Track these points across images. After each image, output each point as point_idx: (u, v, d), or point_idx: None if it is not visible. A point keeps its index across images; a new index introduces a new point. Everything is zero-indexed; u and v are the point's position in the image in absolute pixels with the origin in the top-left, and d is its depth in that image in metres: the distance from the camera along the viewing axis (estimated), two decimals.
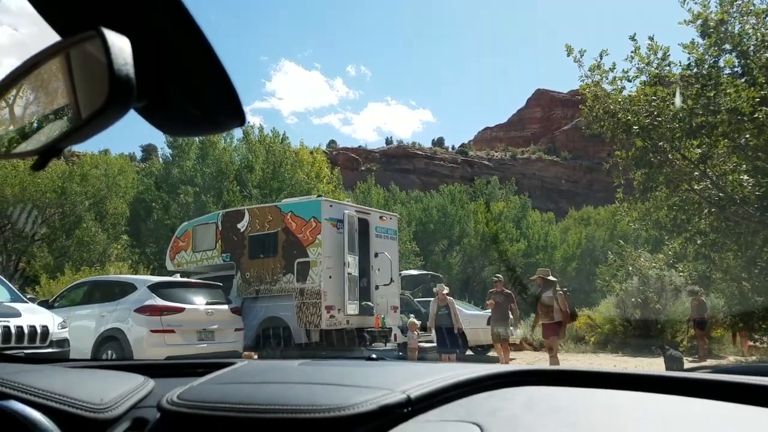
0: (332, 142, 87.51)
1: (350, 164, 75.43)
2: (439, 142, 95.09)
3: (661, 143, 10.60)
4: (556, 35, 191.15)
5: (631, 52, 10.73)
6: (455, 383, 0.87)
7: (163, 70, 0.59)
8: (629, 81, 10.97)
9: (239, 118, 0.65)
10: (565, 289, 10.75)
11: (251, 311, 11.03)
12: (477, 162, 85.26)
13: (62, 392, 0.95)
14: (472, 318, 13.00)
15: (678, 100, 9.95)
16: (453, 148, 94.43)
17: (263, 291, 11.29)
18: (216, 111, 0.65)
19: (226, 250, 12.17)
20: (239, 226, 12.09)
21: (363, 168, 72.53)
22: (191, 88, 0.62)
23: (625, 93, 11.04)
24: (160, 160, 30.78)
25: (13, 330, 6.96)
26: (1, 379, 0.96)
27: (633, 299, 15.09)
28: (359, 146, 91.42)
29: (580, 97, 11.87)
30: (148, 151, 59.33)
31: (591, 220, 41.39)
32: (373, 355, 1.27)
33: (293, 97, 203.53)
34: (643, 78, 10.87)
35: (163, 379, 1.14)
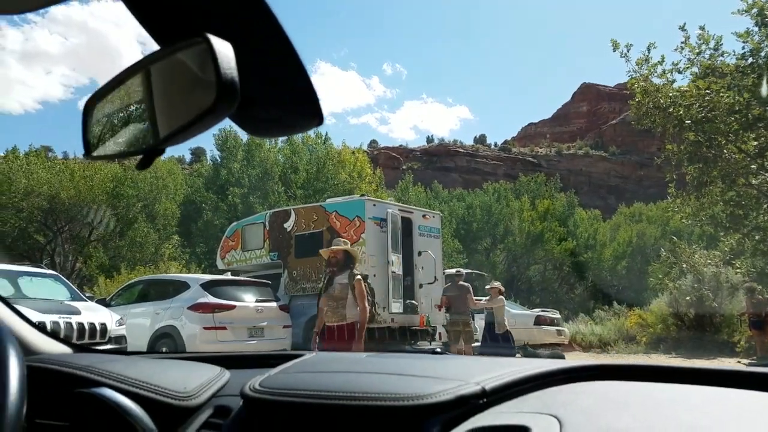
0: (373, 141, 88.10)
1: (391, 163, 75.62)
2: (480, 140, 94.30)
3: (715, 137, 10.22)
4: (601, 27, 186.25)
5: (681, 42, 10.38)
6: (528, 376, 0.88)
7: (251, 73, 0.62)
8: (679, 73, 10.63)
9: (318, 117, 0.68)
10: (366, 274, 6.86)
11: (299, 309, 11.19)
12: (521, 159, 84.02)
13: (149, 380, 1.01)
14: (518, 317, 12.83)
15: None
16: (495, 145, 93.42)
17: (310, 289, 11.44)
18: (297, 111, 0.68)
19: (274, 249, 12.40)
20: (286, 225, 12.29)
21: (404, 167, 72.51)
22: (276, 90, 0.65)
23: (675, 86, 10.70)
24: (209, 162, 31.64)
25: (74, 326, 7.31)
26: (94, 368, 1.03)
27: (687, 297, 14.57)
28: (400, 145, 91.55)
29: (628, 91, 11.58)
30: (197, 153, 61.07)
31: (642, 216, 40.14)
32: (438, 349, 1.29)
33: (330, 98, 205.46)
34: (695, 69, 10.51)
35: (235, 370, 1.18)
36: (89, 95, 0.74)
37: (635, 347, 15.01)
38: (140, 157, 0.65)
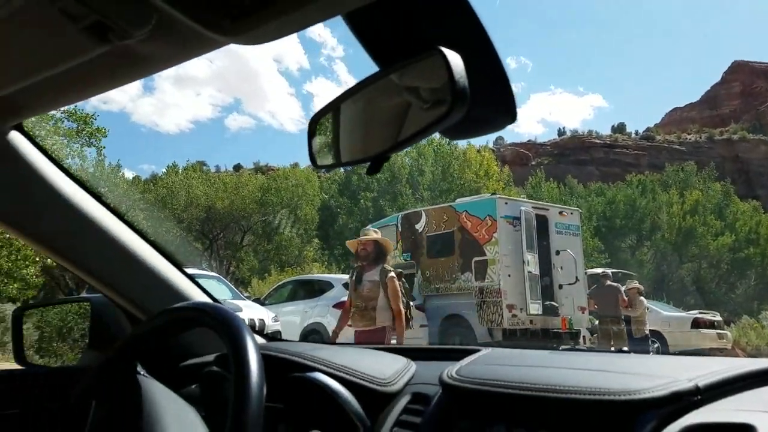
0: (499, 138, 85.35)
1: (519, 160, 73.36)
2: (619, 128, 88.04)
3: None
4: None
5: None
6: (742, 374, 0.84)
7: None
8: None
9: (512, 114, 0.70)
10: (399, 270, 5.94)
11: (433, 309, 11.29)
12: (666, 147, 77.33)
13: (353, 366, 1.10)
14: (672, 320, 11.83)
15: None
16: (636, 133, 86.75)
17: (443, 289, 11.49)
18: (495, 111, 0.71)
19: (406, 249, 12.63)
20: (417, 226, 12.47)
21: (533, 162, 70.06)
22: (482, 90, 0.68)
23: None
24: (341, 169, 33.09)
25: None
26: (307, 355, 1.15)
27: None
28: (528, 140, 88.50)
29: None
30: None
31: None
32: (624, 348, 1.26)
33: None
34: None
35: (417, 361, 1.24)
36: (313, 114, 0.83)
37: None
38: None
